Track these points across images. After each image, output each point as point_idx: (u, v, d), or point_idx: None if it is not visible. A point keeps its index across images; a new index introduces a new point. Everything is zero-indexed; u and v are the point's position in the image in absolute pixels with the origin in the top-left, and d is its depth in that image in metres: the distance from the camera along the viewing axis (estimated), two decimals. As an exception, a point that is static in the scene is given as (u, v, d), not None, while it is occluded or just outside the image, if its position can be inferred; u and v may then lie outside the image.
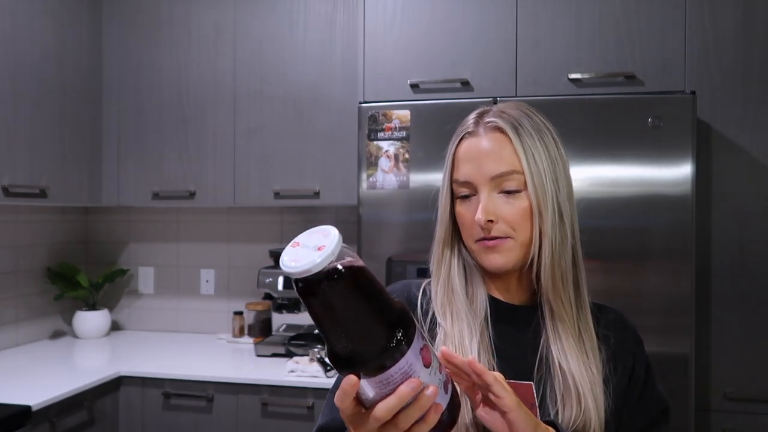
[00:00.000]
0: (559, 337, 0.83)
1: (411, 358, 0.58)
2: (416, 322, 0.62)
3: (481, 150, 0.83)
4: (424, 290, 0.92)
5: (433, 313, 0.88)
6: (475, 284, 0.88)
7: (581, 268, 0.86)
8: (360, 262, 0.59)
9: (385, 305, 0.59)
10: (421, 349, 0.60)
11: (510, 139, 0.82)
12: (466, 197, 0.85)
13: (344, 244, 0.58)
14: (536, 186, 0.81)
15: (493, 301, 0.88)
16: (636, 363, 0.89)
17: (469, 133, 0.86)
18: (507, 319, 0.87)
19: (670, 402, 0.92)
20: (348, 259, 0.57)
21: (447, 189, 0.87)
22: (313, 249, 0.56)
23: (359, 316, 0.57)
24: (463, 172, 0.84)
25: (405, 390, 0.58)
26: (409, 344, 0.58)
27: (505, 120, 0.84)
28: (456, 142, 0.87)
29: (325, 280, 0.55)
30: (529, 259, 0.83)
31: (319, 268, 0.55)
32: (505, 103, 0.89)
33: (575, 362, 0.81)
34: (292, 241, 0.59)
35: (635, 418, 0.87)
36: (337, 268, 0.56)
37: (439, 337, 0.85)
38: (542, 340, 0.85)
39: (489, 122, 0.84)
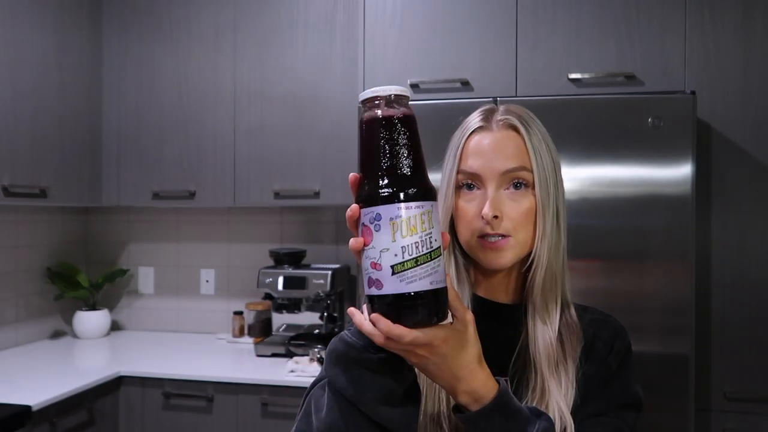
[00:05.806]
0: (539, 335, 0.83)
1: (390, 210, 0.64)
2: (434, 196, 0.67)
3: (493, 144, 0.83)
4: None
5: None
6: (461, 283, 0.88)
7: (567, 270, 0.88)
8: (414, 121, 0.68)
9: (420, 159, 0.67)
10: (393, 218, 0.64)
11: (522, 136, 0.83)
12: (469, 188, 0.84)
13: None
14: (542, 186, 0.82)
15: (476, 300, 0.88)
16: (611, 354, 0.87)
17: (480, 127, 0.86)
18: (489, 316, 0.86)
19: (644, 401, 0.89)
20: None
21: (453, 181, 0.85)
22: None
23: (401, 147, 0.66)
24: (472, 165, 0.84)
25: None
26: (401, 201, 0.64)
27: (517, 118, 0.84)
28: (466, 136, 0.86)
29: (384, 107, 0.66)
30: (527, 259, 0.84)
31: (378, 94, 0.66)
32: (509, 104, 0.89)
33: (550, 361, 0.81)
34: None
35: (596, 402, 0.84)
36: (394, 105, 0.66)
37: None
38: (522, 337, 0.85)
39: (502, 119, 0.85)
